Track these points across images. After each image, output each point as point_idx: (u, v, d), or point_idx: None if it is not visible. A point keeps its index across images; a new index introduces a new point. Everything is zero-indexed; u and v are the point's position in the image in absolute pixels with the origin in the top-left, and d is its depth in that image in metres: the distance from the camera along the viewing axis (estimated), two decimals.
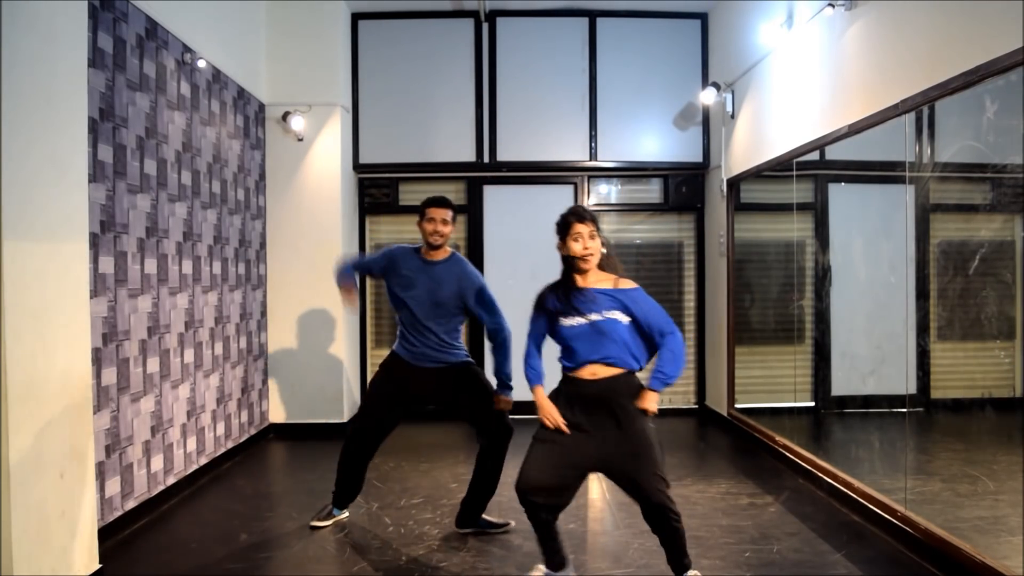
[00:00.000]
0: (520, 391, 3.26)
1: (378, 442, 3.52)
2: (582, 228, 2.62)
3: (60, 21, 2.63)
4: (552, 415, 2.63)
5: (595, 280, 2.67)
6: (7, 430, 2.35)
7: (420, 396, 3.42)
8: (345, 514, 3.62)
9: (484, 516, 3.44)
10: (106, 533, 3.22)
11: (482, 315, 3.33)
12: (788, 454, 4.45)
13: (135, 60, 3.57)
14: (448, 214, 3.31)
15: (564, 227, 2.66)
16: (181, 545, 3.34)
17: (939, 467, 3.36)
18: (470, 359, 3.46)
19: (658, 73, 6.05)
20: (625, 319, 2.61)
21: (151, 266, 3.72)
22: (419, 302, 3.31)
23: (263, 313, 5.39)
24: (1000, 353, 2.95)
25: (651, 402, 2.59)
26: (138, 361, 3.58)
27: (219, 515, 3.76)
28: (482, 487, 3.38)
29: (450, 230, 3.33)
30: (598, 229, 2.67)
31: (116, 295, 3.39)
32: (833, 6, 3.82)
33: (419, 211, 3.34)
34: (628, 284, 2.68)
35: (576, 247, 2.62)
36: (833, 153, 4.10)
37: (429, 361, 3.36)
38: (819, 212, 4.39)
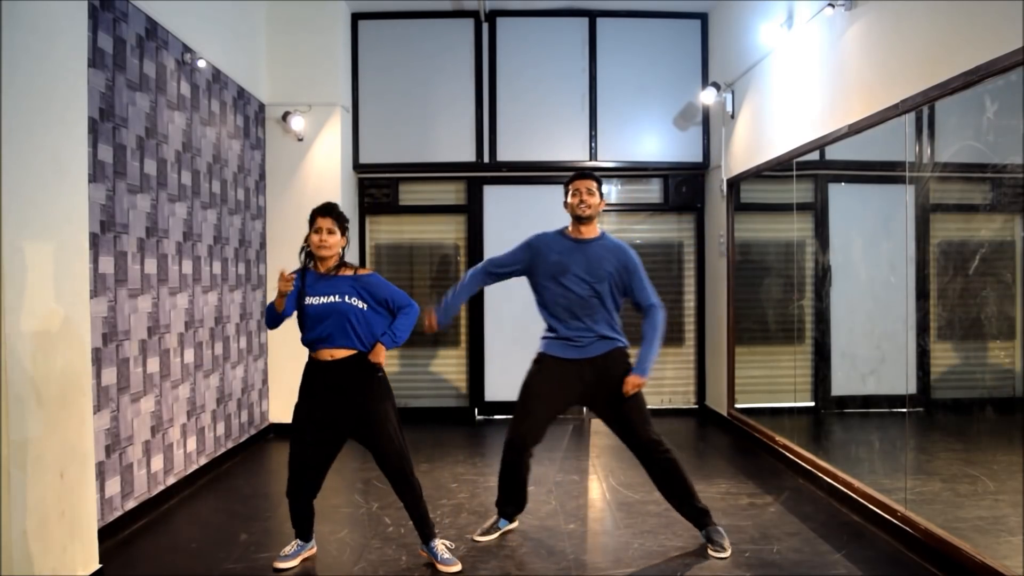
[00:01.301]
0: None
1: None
2: (323, 222, 2.89)
3: (60, 21, 2.63)
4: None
5: (336, 270, 2.97)
6: (7, 430, 2.35)
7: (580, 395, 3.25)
8: (514, 524, 3.46)
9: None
10: (106, 533, 3.22)
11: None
12: (788, 454, 4.45)
13: (135, 60, 3.57)
14: (593, 184, 3.16)
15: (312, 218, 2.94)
16: (181, 545, 3.35)
17: (939, 467, 3.36)
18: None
19: (658, 73, 6.05)
20: (362, 305, 2.91)
21: (151, 266, 3.72)
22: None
23: (263, 313, 5.39)
24: (1000, 353, 2.95)
25: (379, 354, 2.94)
26: (138, 361, 3.58)
27: (219, 515, 3.76)
28: (678, 494, 3.22)
29: (600, 201, 3.18)
30: (341, 225, 2.94)
31: (116, 295, 3.39)
32: (833, 6, 3.82)
33: (564, 188, 3.20)
34: (366, 271, 2.99)
35: (315, 238, 2.91)
36: (833, 153, 4.10)
37: (595, 350, 3.15)
38: (819, 212, 4.39)
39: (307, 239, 2.94)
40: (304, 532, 3.12)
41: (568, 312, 3.14)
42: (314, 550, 3.17)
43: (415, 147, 6.00)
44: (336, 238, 2.91)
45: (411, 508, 3.01)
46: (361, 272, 2.96)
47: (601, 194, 3.19)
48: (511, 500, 3.35)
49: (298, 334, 5.37)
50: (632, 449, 3.20)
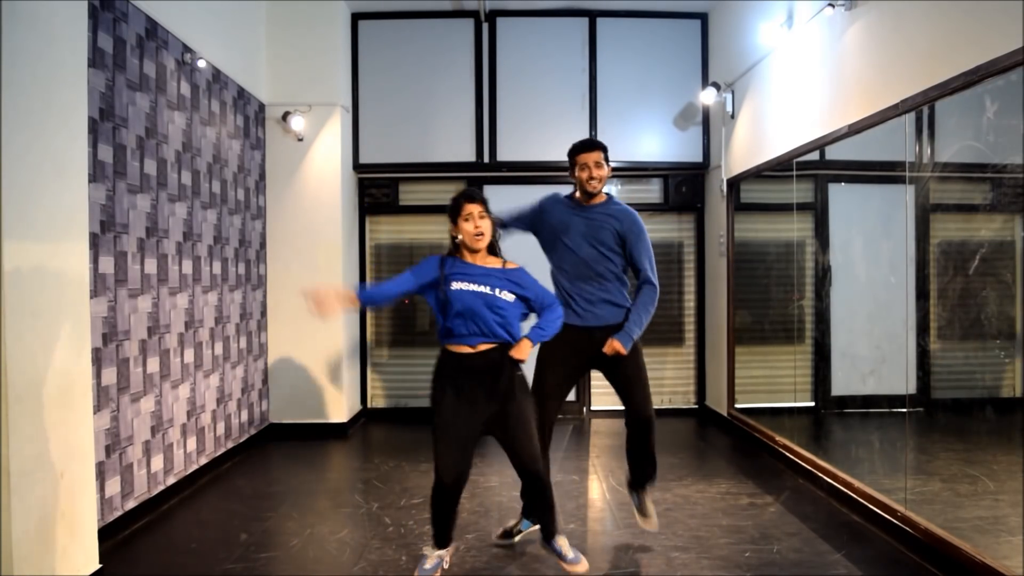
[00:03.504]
0: None
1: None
2: (473, 208, 2.72)
3: (60, 21, 2.63)
4: None
5: (481, 259, 2.80)
6: (7, 430, 2.35)
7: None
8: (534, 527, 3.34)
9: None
10: (106, 533, 3.23)
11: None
12: (788, 454, 4.45)
13: (135, 60, 3.57)
14: (600, 155, 3.10)
15: (456, 209, 2.75)
16: (181, 545, 3.35)
17: (939, 467, 3.36)
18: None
19: (658, 73, 6.05)
20: (511, 297, 2.75)
21: (151, 266, 3.72)
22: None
23: (263, 313, 5.39)
24: (1000, 353, 2.95)
25: (524, 350, 2.75)
26: (138, 361, 3.58)
27: (219, 515, 3.76)
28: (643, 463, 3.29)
29: (607, 171, 3.13)
30: (488, 210, 2.77)
31: (116, 295, 3.39)
32: (833, 6, 3.82)
33: (569, 159, 3.16)
34: (514, 266, 2.83)
35: (468, 227, 2.72)
36: (833, 153, 4.10)
37: (598, 319, 3.14)
38: (819, 212, 4.39)
39: (455, 230, 2.76)
40: (447, 538, 2.89)
41: (574, 273, 3.15)
42: (452, 548, 2.97)
43: (415, 147, 6.00)
44: (488, 222, 2.74)
45: (540, 508, 2.88)
46: (509, 265, 2.81)
47: (607, 160, 3.13)
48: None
49: (293, 334, 5.44)
50: (626, 416, 3.25)
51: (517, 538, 3.29)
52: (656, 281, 3.16)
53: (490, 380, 2.74)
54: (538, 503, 2.90)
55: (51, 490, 2.57)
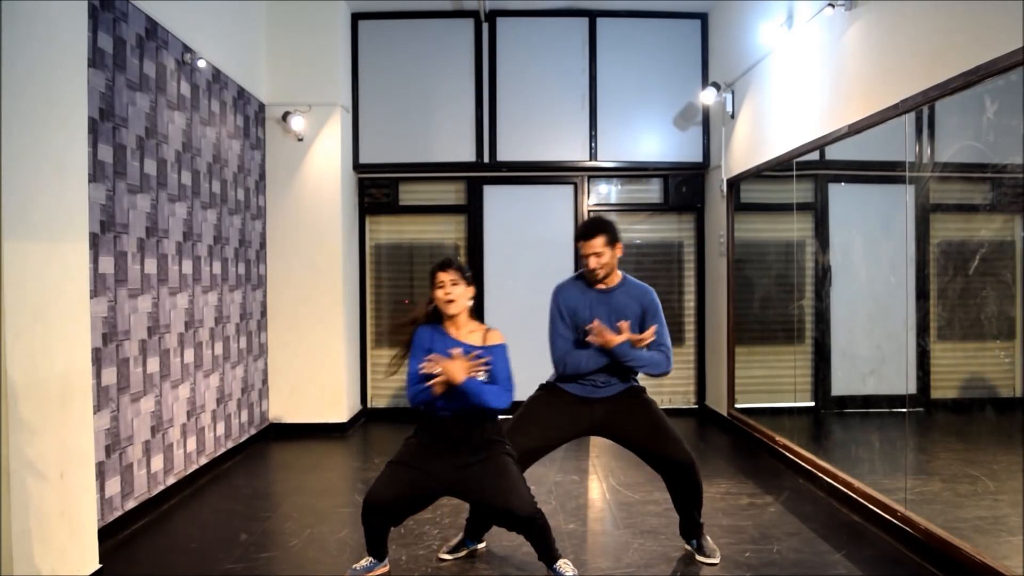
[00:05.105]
0: None
1: None
2: (444, 276, 2.74)
3: (60, 21, 2.63)
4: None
5: (466, 329, 2.81)
6: (7, 430, 2.35)
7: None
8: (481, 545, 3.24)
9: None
10: (106, 533, 3.22)
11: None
12: (788, 454, 4.45)
13: (135, 60, 3.57)
14: (599, 242, 2.93)
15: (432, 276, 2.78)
16: (181, 545, 3.35)
17: (939, 467, 3.36)
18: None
19: (658, 73, 6.05)
20: (484, 376, 2.72)
21: (151, 266, 3.72)
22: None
23: (263, 313, 5.39)
24: (1000, 353, 2.95)
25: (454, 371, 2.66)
26: (138, 361, 3.58)
27: (219, 515, 3.76)
28: (691, 507, 3.11)
29: (612, 252, 2.97)
30: (464, 276, 2.78)
31: (116, 295, 3.39)
32: (833, 6, 3.82)
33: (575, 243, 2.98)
34: (496, 339, 2.80)
35: (439, 294, 2.74)
36: (833, 153, 4.10)
37: (609, 391, 3.03)
38: (819, 212, 4.39)
39: (431, 297, 2.79)
40: (378, 551, 2.91)
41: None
42: (387, 568, 2.97)
43: (415, 147, 6.00)
44: (461, 289, 2.75)
45: (540, 543, 2.80)
46: (490, 338, 2.78)
47: (614, 242, 2.96)
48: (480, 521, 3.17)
49: (293, 334, 5.44)
50: (660, 470, 3.06)
51: (463, 552, 3.16)
52: (671, 354, 2.98)
53: (464, 444, 2.74)
54: (538, 540, 2.80)
55: (51, 490, 2.57)
